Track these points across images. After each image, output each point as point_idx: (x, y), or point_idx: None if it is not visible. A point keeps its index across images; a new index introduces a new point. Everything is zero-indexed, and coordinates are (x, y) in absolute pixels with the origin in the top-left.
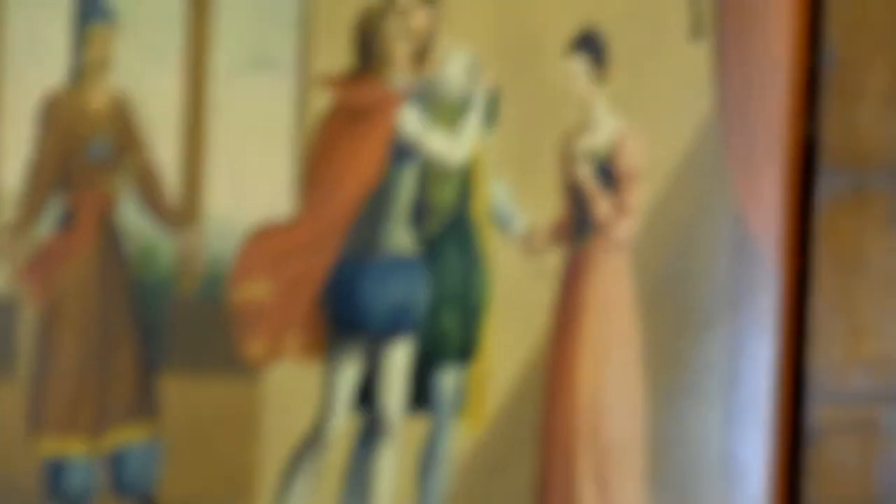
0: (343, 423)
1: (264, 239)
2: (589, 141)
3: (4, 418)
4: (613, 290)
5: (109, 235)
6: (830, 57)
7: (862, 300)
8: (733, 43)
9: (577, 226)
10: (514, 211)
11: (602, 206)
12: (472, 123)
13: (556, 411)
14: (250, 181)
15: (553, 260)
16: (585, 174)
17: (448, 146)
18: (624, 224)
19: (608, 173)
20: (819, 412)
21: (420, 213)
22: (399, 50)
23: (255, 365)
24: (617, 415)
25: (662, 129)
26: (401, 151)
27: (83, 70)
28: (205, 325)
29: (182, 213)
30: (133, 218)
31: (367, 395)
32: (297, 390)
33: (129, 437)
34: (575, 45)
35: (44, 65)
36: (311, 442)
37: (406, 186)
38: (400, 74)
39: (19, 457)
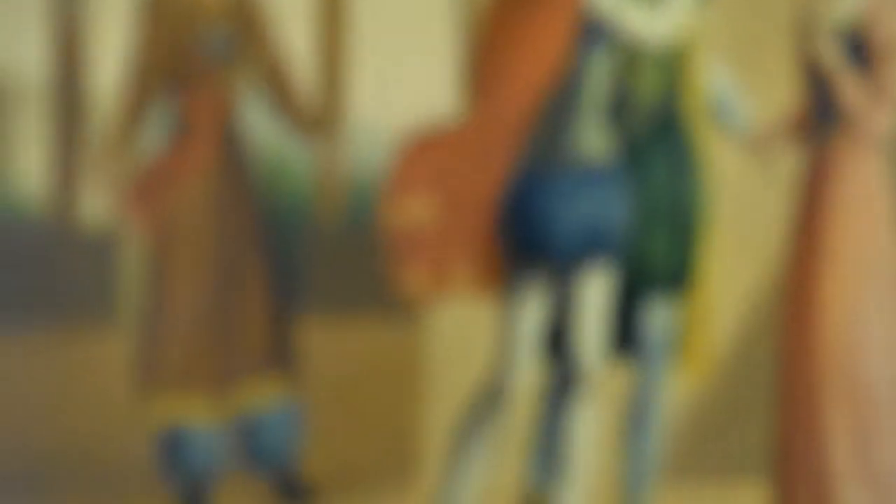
0: (528, 374)
1: (424, 148)
2: (834, 8)
3: (107, 377)
4: (868, 198)
5: (231, 149)
6: None
7: None
8: None
9: (820, 118)
10: (738, 102)
11: (852, 91)
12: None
13: (798, 351)
14: (404, 78)
15: (789, 163)
16: (830, 50)
17: (650, 21)
18: (880, 114)
19: (860, 49)
20: None
21: (618, 109)
22: None
23: (415, 304)
24: (879, 356)
25: None
26: (591, 31)
27: None
28: (352, 256)
29: (320, 118)
30: (259, 126)
31: (557, 340)
32: (469, 335)
33: (261, 396)
34: None
35: None
36: (489, 399)
37: (599, 76)
38: None
39: (126, 424)
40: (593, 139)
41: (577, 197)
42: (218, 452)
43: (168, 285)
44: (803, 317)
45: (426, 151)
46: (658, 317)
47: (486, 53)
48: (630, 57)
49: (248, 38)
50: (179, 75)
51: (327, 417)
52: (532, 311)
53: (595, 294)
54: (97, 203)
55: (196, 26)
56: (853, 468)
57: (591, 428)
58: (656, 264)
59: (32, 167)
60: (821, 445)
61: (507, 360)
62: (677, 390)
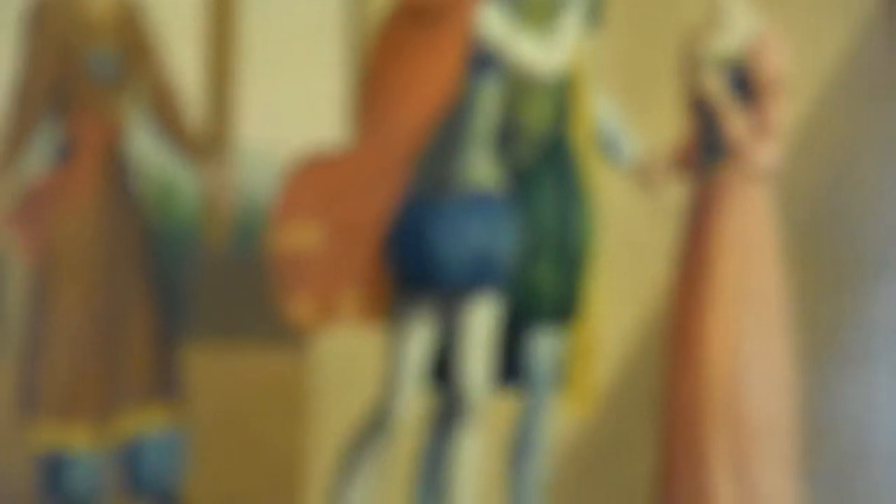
0: (413, 402)
1: (311, 173)
2: (720, 43)
3: None
4: (752, 230)
5: (117, 172)
6: None
7: None
8: None
9: (706, 151)
10: (624, 134)
11: (737, 124)
12: (571, 23)
13: (681, 384)
14: (292, 102)
15: (675, 194)
16: (715, 85)
17: (540, 52)
18: (765, 147)
19: (744, 84)
20: None
21: (507, 138)
22: None
23: (302, 331)
24: (758, 388)
25: (813, 28)
26: (481, 60)
27: None
28: (239, 283)
29: (208, 142)
30: (146, 149)
31: (443, 368)
32: (356, 363)
33: (145, 423)
34: None
35: None
36: (374, 427)
37: (488, 105)
38: None
39: (8, 450)
40: (481, 167)
41: (464, 226)
42: (99, 478)
43: (51, 310)
44: (687, 349)
45: (313, 177)
46: (544, 347)
47: (375, 79)
48: (519, 86)
49: (135, 59)
50: (65, 97)
51: (213, 444)
52: (418, 340)
53: (481, 323)
54: None
55: (82, 47)
56: (733, 493)
57: (475, 456)
58: (542, 294)
59: None
60: (702, 472)
61: (392, 387)
62: (562, 421)
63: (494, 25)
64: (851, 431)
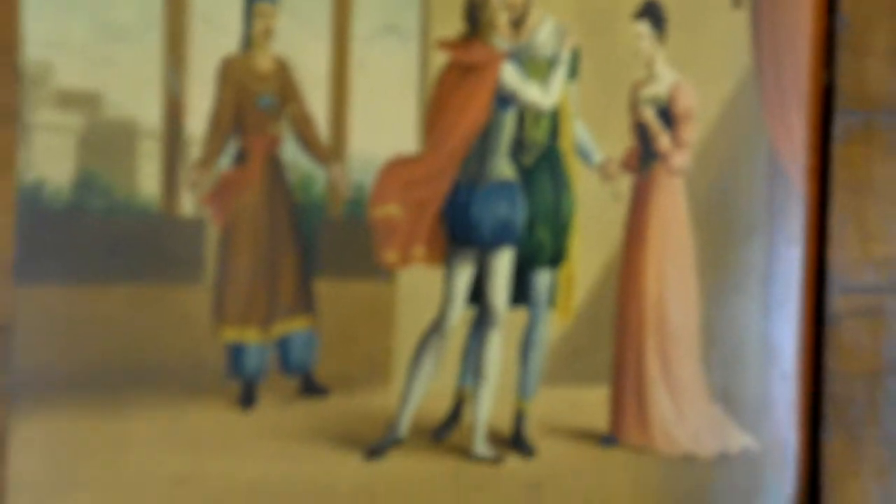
0: (460, 315)
1: (395, 170)
2: (652, 90)
3: (197, 314)
4: (672, 208)
5: (275, 169)
6: (842, 22)
7: (870, 214)
8: (766, 12)
9: (643, 157)
10: (593, 146)
11: (663, 141)
12: (559, 77)
13: (628, 306)
14: (384, 125)
15: (624, 184)
16: (649, 116)
17: (540, 95)
18: (680, 155)
19: (667, 115)
20: (838, 302)
21: (518, 148)
22: (500, 19)
23: (390, 270)
24: (676, 308)
25: (710, 80)
26: (503, 99)
27: (252, 39)
28: (350, 239)
29: (331, 151)
30: (293, 155)
31: (478, 293)
32: (424, 289)
33: (292, 327)
34: (640, 13)
35: (221, 35)
36: (435, 330)
37: (508, 127)
38: (501, 38)
39: (208, 343)
40: (503, 167)
41: (493, 204)
42: (264, 362)
43: (232, 255)
44: (631, 282)
45: (396, 173)
46: (542, 281)
47: (435, 111)
48: (528, 115)
49: (286, 98)
50: (242, 122)
51: (334, 342)
52: (463, 276)
53: (503, 266)
54: (191, 202)
55: (253, 90)
56: (660, 378)
57: (498, 349)
58: (541, 248)
59: (152, 179)
60: (642, 364)
61: (447, 305)
62: (553, 327)
63: (512, 77)
64: (734, 335)
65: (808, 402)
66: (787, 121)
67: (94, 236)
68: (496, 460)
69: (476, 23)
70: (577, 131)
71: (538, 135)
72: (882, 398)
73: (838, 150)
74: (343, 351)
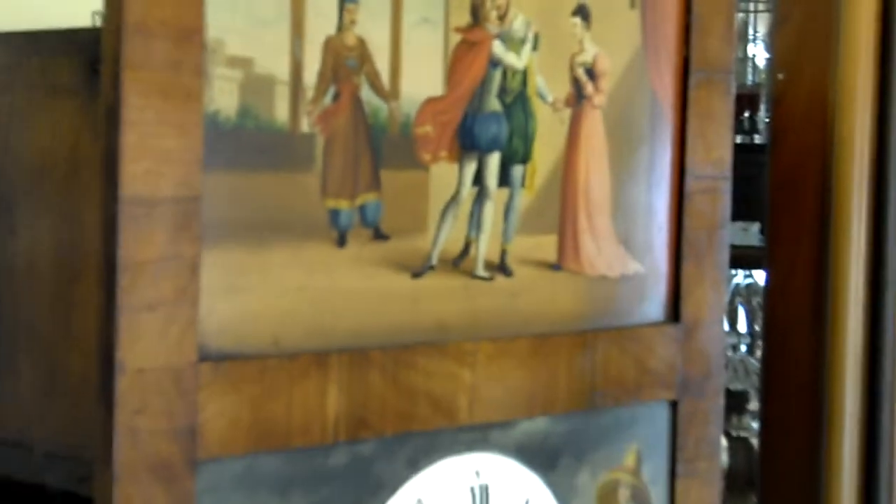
0: (468, 192)
1: (429, 105)
2: (582, 57)
3: (312, 191)
4: (594, 127)
5: (357, 104)
6: (695, 15)
7: (709, 132)
8: (649, 10)
9: (577, 98)
10: (548, 91)
11: (589, 88)
12: (527, 50)
13: (567, 186)
14: (421, 78)
15: (566, 114)
16: (580, 74)
17: (516, 60)
18: (598, 97)
19: (591, 73)
20: (691, 184)
21: (502, 92)
22: (492, 14)
23: (425, 165)
24: (597, 187)
25: (616, 52)
26: (493, 63)
27: (343, 25)
28: (402, 146)
29: (390, 93)
30: (368, 95)
31: (478, 179)
32: (446, 177)
33: (368, 199)
34: (575, 12)
35: (325, 23)
36: (453, 200)
37: (496, 79)
38: (492, 26)
39: (318, 208)
40: (493, 103)
41: (487, 126)
42: (351, 220)
43: (332, 155)
44: (570, 172)
45: (429, 106)
46: (517, 172)
47: (452, 71)
48: (508, 72)
49: (363, 60)
50: (337, 76)
51: (391, 207)
52: (469, 168)
53: (493, 163)
54: (307, 124)
55: (343, 56)
56: (587, 229)
57: (490, 213)
58: (517, 153)
59: (284, 111)
60: (576, 220)
61: (460, 186)
62: (523, 200)
63: (499, 49)
64: (631, 204)
65: (675, 244)
66: (662, 76)
67: (251, 145)
68: (489, 278)
69: (477, 16)
70: (538, 82)
71: (514, 84)
72: (717, 241)
73: (692, 94)
74: (397, 213)
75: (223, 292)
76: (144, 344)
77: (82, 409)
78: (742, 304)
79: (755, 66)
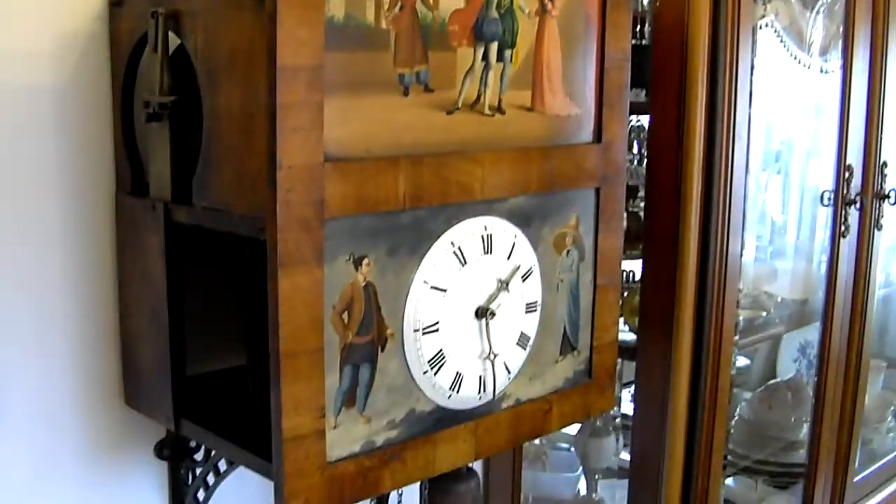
0: (479, 64)
1: (456, 13)
2: None
3: (388, 63)
4: (553, 30)
5: (414, 12)
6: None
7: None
8: None
9: (542, 10)
10: (525, 5)
11: (549, 5)
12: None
13: (538, 60)
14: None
15: (536, 21)
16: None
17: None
18: (555, 11)
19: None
20: None
21: (499, 6)
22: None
23: (454, 49)
24: (554, 65)
25: None
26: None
27: None
28: (440, 37)
29: (433, 6)
30: (420, 7)
31: (485, 57)
32: (465, 56)
33: (421, 67)
34: None
35: None
36: (470, 69)
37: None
38: None
39: (392, 72)
40: (493, 12)
41: (491, 26)
42: (412, 78)
43: (401, 40)
44: (539, 52)
45: (456, 14)
46: (507, 53)
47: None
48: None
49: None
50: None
51: (435, 71)
52: (480, 50)
53: (494, 48)
54: (385, 22)
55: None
56: (548, 87)
57: (495, 77)
58: (507, 43)
59: (371, 13)
60: (541, 81)
61: (474, 60)
62: (510, 70)
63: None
64: (571, 73)
65: (598, 97)
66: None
67: (352, 35)
68: (492, 115)
69: None
70: (519, 1)
71: (506, 1)
72: (623, 97)
73: (608, 12)
74: (438, 76)
75: (337, 122)
76: (292, 152)
77: (259, 190)
78: (636, 138)
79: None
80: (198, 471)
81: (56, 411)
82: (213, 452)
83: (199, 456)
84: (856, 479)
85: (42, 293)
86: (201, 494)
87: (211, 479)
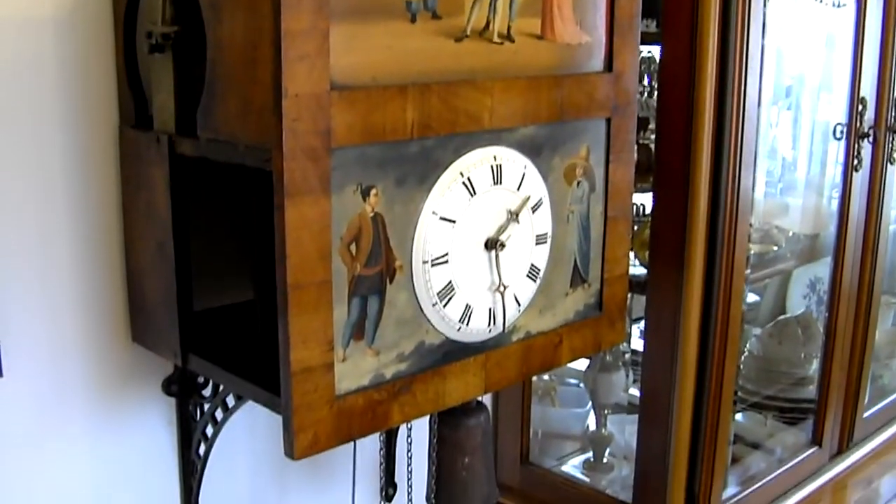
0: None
1: None
2: None
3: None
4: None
5: None
6: None
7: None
8: None
9: None
10: None
11: None
12: None
13: None
14: None
15: None
16: None
17: None
18: None
19: None
20: None
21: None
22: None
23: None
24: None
25: None
26: None
27: None
28: None
29: None
30: None
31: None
32: None
33: None
34: None
35: None
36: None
37: None
38: None
39: None
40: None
41: None
42: (419, 7)
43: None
44: (546, 5)
45: None
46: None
47: None
48: None
49: None
50: None
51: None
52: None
53: None
54: None
55: None
56: (558, 15)
57: (502, 3)
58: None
59: None
60: (552, 9)
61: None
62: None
63: None
64: (582, 7)
65: (609, 26)
66: None
67: None
68: (501, 43)
69: None
70: None
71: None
72: (634, 26)
73: None
74: (446, 3)
75: (343, 50)
76: (298, 80)
77: (265, 121)
78: (646, 71)
79: None
80: (206, 406)
81: (62, 349)
82: (221, 388)
83: (206, 392)
84: (865, 415)
85: (46, 229)
86: (209, 430)
87: (219, 414)
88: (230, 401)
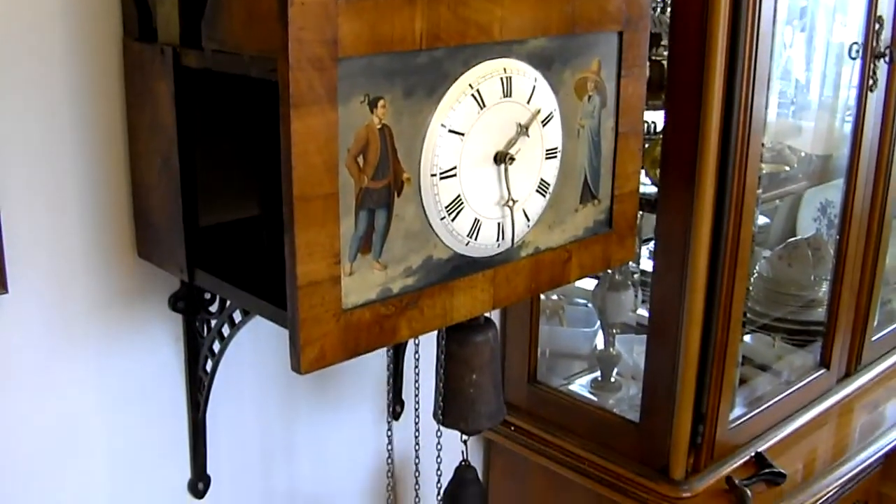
0: None
1: None
2: None
3: None
4: None
5: None
6: None
7: None
8: None
9: None
10: None
11: None
12: None
13: None
14: None
15: None
16: None
17: None
18: None
19: None
20: None
21: None
22: None
23: None
24: None
25: None
26: None
27: None
28: None
29: None
30: None
31: None
32: None
33: None
34: None
35: None
36: None
37: None
38: None
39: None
40: None
41: None
42: None
43: None
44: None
45: None
46: None
47: None
48: None
49: None
50: None
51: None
52: None
53: None
54: None
55: None
56: None
57: None
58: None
59: None
60: None
61: None
62: None
63: None
64: None
65: None
66: None
67: None
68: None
69: None
70: None
71: None
72: None
73: None
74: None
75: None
76: None
77: (270, 30)
78: None
79: None
80: (212, 322)
81: (68, 266)
82: (228, 303)
83: (213, 308)
84: (873, 339)
85: (49, 147)
86: (216, 346)
87: (226, 330)
88: (237, 316)
